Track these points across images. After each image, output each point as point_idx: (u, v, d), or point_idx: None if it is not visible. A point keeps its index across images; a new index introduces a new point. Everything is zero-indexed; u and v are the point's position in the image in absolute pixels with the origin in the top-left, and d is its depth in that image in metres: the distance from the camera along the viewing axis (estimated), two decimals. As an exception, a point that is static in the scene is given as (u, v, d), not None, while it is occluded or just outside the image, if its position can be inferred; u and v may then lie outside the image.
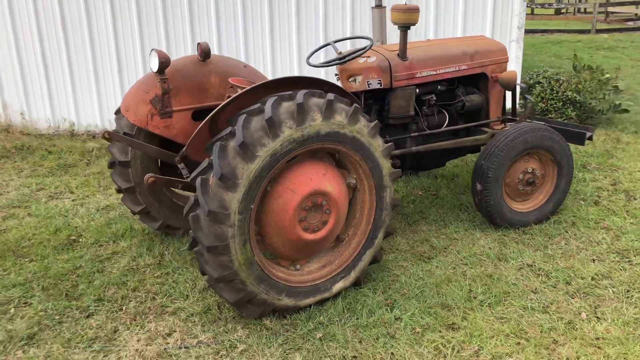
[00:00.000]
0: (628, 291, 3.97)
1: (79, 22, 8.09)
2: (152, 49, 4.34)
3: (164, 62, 4.31)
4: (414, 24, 4.55)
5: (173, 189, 4.60)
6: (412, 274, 4.24)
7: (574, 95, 7.68)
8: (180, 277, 4.27)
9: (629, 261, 4.36)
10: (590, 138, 5.27)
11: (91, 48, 8.22)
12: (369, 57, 4.63)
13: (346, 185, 3.89)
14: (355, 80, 4.62)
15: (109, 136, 4.27)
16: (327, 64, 4.66)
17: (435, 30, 7.84)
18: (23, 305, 4.01)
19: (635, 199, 5.45)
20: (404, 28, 4.59)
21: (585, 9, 29.19)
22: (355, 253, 3.96)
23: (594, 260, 4.39)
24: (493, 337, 3.49)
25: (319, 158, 3.76)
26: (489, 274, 4.22)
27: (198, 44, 4.54)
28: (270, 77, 7.31)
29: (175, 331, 3.65)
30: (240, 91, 4.24)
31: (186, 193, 5.15)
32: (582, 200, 5.43)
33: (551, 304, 3.83)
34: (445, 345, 3.42)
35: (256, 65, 8.07)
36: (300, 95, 3.44)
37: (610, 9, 25.22)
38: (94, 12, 8.08)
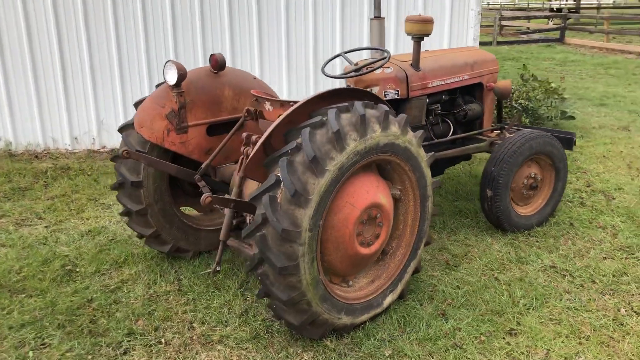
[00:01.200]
0: (649, 285, 4.22)
1: (17, 29, 7.43)
2: (168, 60, 4.06)
3: (182, 75, 4.05)
4: (428, 35, 4.59)
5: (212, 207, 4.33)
6: (447, 282, 4.25)
7: (526, 102, 8.12)
8: (211, 303, 4.00)
9: (636, 257, 4.62)
10: (574, 143, 5.57)
11: (31, 59, 7.58)
12: (386, 67, 4.61)
13: (391, 196, 3.83)
14: (371, 91, 4.57)
15: (128, 155, 3.92)
16: (345, 75, 4.58)
17: (396, 43, 7.97)
18: (41, 347, 3.58)
19: (613, 198, 5.81)
20: (418, 39, 4.62)
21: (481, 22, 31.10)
22: (401, 265, 3.89)
23: (604, 258, 4.62)
24: (554, 339, 3.56)
25: (370, 170, 3.68)
26: (519, 277, 4.31)
27: (212, 55, 4.30)
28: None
29: (232, 361, 3.41)
30: (268, 104, 4.10)
31: (193, 212, 4.86)
32: (569, 202, 5.71)
33: (589, 302, 3.98)
34: (515, 351, 3.44)
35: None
36: (359, 106, 3.34)
37: (503, 22, 27.00)
38: (35, 18, 7.46)
